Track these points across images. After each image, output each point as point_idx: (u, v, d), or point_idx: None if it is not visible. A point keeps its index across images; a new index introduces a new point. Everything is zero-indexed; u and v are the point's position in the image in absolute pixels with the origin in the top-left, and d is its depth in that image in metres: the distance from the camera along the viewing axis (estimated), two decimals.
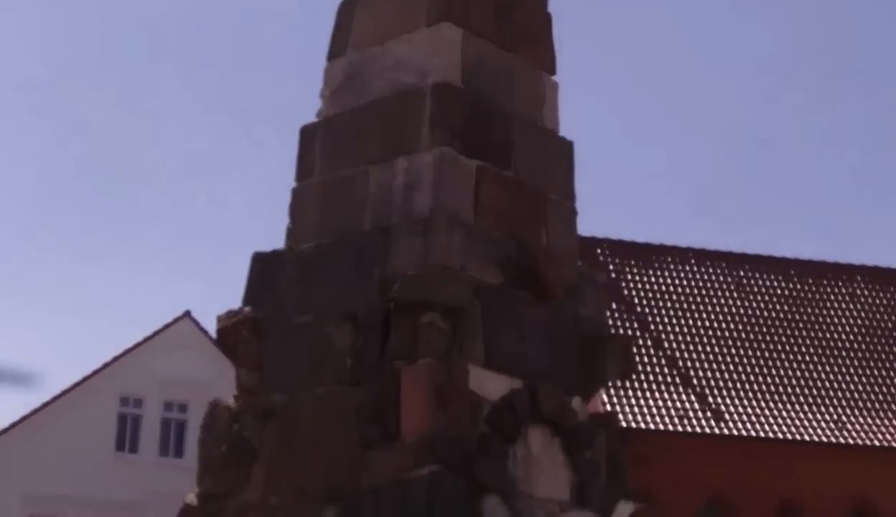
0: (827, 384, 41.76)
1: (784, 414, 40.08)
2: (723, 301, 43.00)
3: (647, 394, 39.26)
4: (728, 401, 39.85)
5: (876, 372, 42.75)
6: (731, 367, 40.95)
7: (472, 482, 13.79)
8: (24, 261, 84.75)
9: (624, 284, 41.99)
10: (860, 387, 42.03)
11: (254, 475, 14.91)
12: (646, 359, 39.48)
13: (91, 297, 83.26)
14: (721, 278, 43.78)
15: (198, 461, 15.85)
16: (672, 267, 43.50)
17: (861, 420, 40.89)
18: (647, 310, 41.81)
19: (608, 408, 35.71)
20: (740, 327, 42.35)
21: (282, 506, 14.55)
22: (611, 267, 41.60)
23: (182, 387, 42.50)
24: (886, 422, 41.12)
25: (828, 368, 42.23)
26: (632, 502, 14.48)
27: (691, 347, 41.20)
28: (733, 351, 41.50)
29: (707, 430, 38.82)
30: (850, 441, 40.05)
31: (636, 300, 42.00)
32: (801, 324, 43.14)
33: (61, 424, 41.81)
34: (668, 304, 42.26)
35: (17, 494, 40.78)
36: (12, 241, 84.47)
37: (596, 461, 15.39)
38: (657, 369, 40.12)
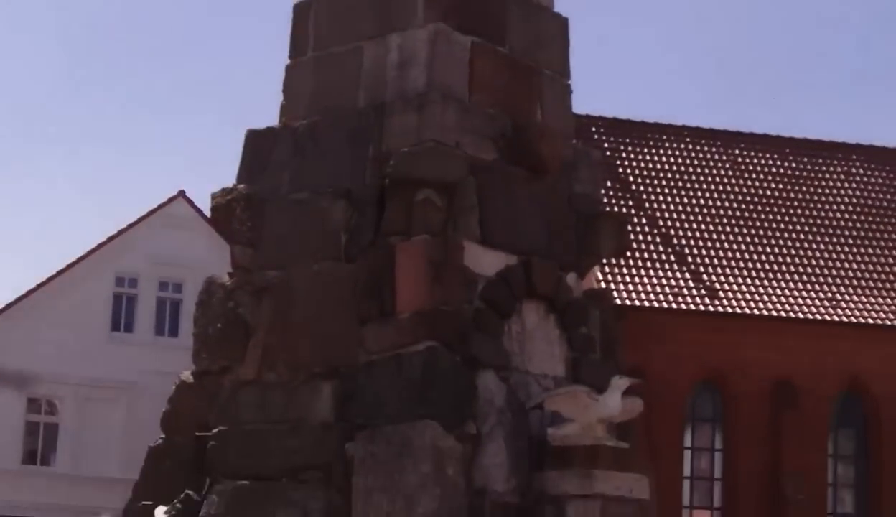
0: (822, 262, 41.84)
1: (778, 291, 40.20)
2: (718, 179, 42.92)
3: (642, 271, 39.34)
4: (722, 278, 39.95)
5: (871, 250, 42.81)
6: (726, 245, 41.01)
7: (468, 357, 13.89)
8: (20, 139, 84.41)
9: (619, 162, 41.87)
10: (854, 266, 42.11)
11: (249, 352, 14.99)
12: (640, 237, 39.48)
13: (85, 178, 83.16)
14: (717, 156, 43.65)
15: (193, 339, 15.94)
16: (667, 145, 43.36)
17: (855, 298, 41.02)
18: (641, 188, 41.74)
19: (603, 285, 35.72)
20: (735, 205, 42.32)
21: (278, 382, 14.64)
22: (605, 145, 41.43)
23: (177, 266, 42.56)
24: (881, 299, 41.26)
25: (822, 246, 42.29)
26: (626, 378, 14.55)
27: (686, 225, 41.21)
28: (728, 229, 41.52)
29: (701, 308, 38.95)
30: (844, 318, 40.20)
31: (631, 178, 41.90)
32: (796, 203, 43.11)
33: (56, 305, 41.92)
34: (664, 183, 42.17)
35: (14, 375, 41.02)
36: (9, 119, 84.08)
37: (590, 337, 15.49)
38: (652, 247, 40.16)
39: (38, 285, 43.62)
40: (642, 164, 42.78)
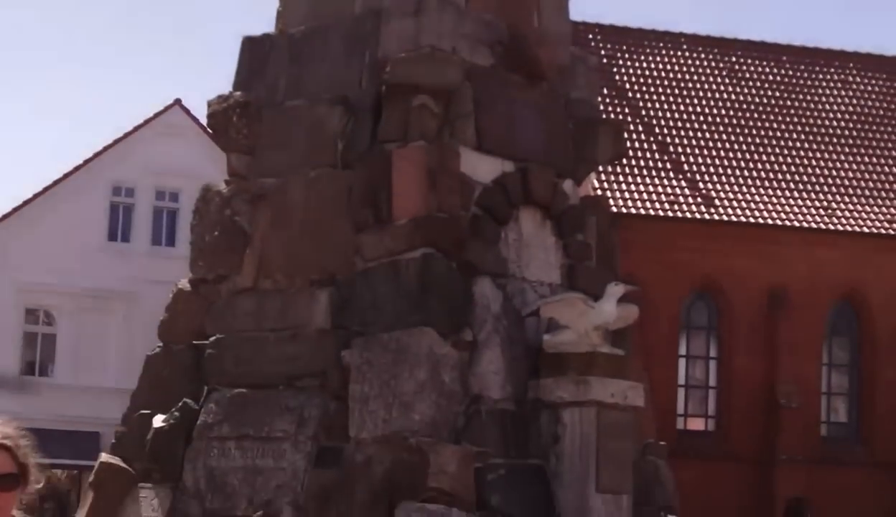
0: (818, 170, 41.75)
1: (774, 200, 40.16)
2: (715, 87, 42.72)
3: (638, 179, 39.28)
4: (719, 186, 39.90)
5: (867, 158, 42.72)
6: (722, 153, 40.91)
7: (464, 264, 13.90)
8: (14, 57, 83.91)
9: (615, 70, 41.64)
10: (850, 174, 42.02)
11: (246, 259, 15.00)
12: (637, 145, 39.34)
13: (80, 88, 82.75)
14: (713, 64, 43.43)
15: (190, 247, 15.95)
16: (664, 52, 43.10)
17: (851, 206, 40.98)
18: (638, 96, 41.55)
19: (599, 192, 35.70)
20: (732, 113, 42.16)
21: (274, 290, 14.67)
22: (602, 52, 41.13)
23: (173, 175, 42.36)
24: (876, 208, 41.22)
25: (819, 155, 42.19)
26: (622, 285, 14.57)
27: (682, 133, 41.09)
28: (724, 137, 41.40)
29: (697, 216, 38.91)
30: (840, 227, 40.18)
31: (627, 86, 41.69)
32: (792, 111, 42.94)
33: (53, 216, 41.77)
34: (660, 90, 41.98)
35: (11, 286, 41.06)
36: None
37: (587, 244, 15.49)
38: (648, 155, 40.07)
39: (35, 196, 43.47)
40: (639, 72, 42.55)
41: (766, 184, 40.82)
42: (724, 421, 39.35)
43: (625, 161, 36.42)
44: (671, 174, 40.08)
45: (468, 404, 13.45)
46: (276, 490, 13.63)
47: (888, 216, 41.36)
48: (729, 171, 40.80)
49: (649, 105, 41.79)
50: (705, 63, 43.86)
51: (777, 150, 41.82)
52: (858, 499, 37.26)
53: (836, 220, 40.71)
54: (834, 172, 42.21)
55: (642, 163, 40.01)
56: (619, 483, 13.93)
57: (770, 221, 39.84)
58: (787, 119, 42.94)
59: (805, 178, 41.59)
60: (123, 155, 43.56)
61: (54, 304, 42.34)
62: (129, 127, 44.32)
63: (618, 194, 38.48)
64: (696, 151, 41.08)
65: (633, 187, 39.30)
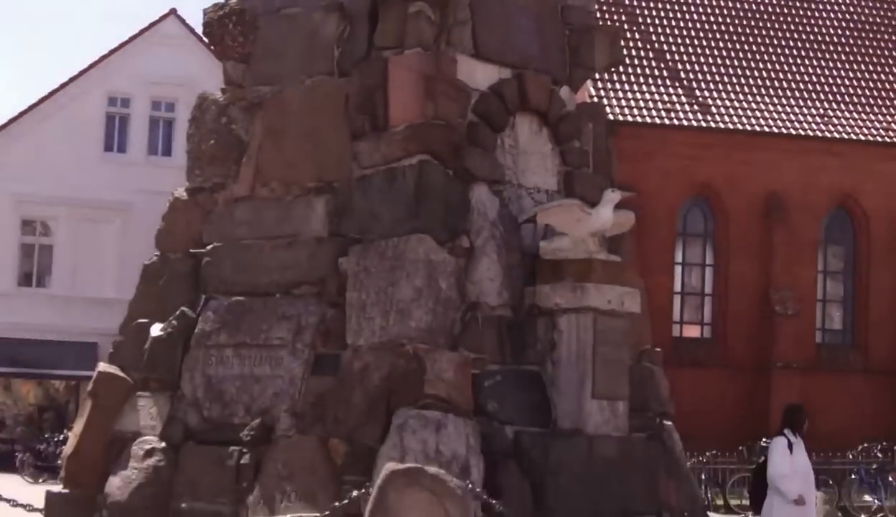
0: (814, 78, 41.67)
1: (771, 107, 40.10)
2: None
3: (635, 87, 39.18)
4: (715, 94, 39.83)
5: (863, 66, 42.61)
6: (719, 61, 40.80)
7: (461, 171, 13.87)
8: None
9: None
10: (847, 82, 41.94)
11: (243, 167, 14.96)
12: (633, 53, 39.20)
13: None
14: None
15: (186, 156, 15.90)
16: None
17: (847, 114, 40.94)
18: (635, 3, 41.34)
19: (595, 99, 35.59)
20: (729, 21, 41.96)
21: (271, 198, 14.64)
22: None
23: (169, 85, 42.22)
24: (872, 116, 41.19)
25: (815, 62, 42.07)
26: (618, 191, 14.54)
27: (679, 41, 40.93)
28: (721, 44, 41.26)
29: (693, 123, 38.88)
30: (836, 135, 40.18)
31: None
32: (789, 19, 42.75)
33: (49, 127, 41.65)
34: None
35: (8, 198, 41.01)
36: None
37: (583, 150, 15.44)
38: (644, 63, 39.95)
39: (31, 107, 43.34)
40: None
41: (762, 91, 40.73)
42: (719, 328, 39.56)
43: (621, 69, 36.33)
44: (667, 82, 39.98)
45: (465, 311, 13.47)
46: (273, 397, 13.69)
47: (884, 124, 41.33)
48: (725, 79, 40.70)
49: (646, 12, 41.58)
50: None
51: (773, 58, 41.69)
52: (853, 405, 37.56)
53: (831, 128, 40.70)
54: (830, 80, 42.12)
55: (638, 70, 39.90)
56: (615, 389, 13.98)
57: (766, 129, 39.81)
58: (784, 27, 42.76)
59: (801, 86, 41.50)
60: (119, 65, 43.40)
61: (51, 215, 42.35)
62: (125, 37, 44.12)
63: (614, 102, 38.39)
64: (693, 59, 40.94)
65: (629, 95, 39.21)
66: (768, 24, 42.55)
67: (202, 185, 15.35)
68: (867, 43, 43.57)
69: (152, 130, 43.30)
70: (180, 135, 35.74)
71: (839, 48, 43.04)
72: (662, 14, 41.72)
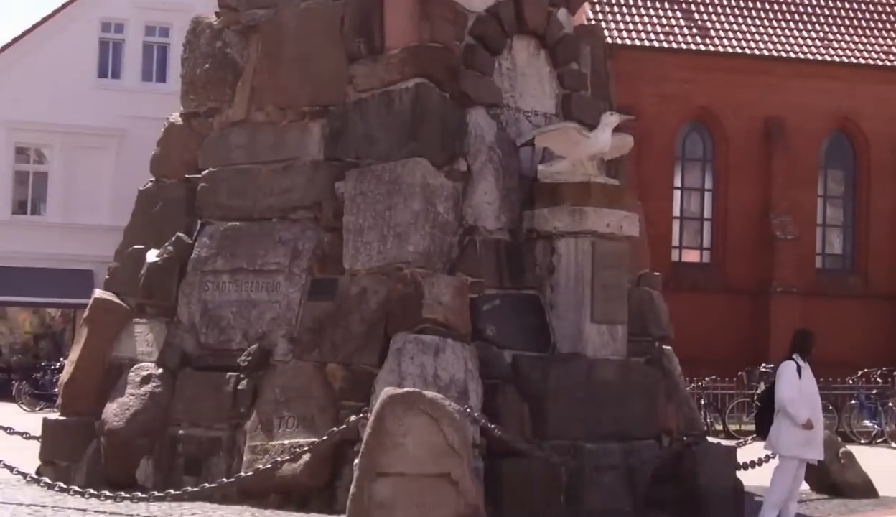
0: (814, 1, 41.35)
1: (770, 31, 39.77)
2: None
3: (633, 9, 38.85)
4: (714, 17, 39.49)
5: None
6: None
7: (458, 93, 13.74)
8: None
9: None
10: (847, 5, 41.55)
11: (238, 92, 14.83)
12: None
13: None
14: None
15: (181, 80, 15.74)
16: None
17: (847, 37, 40.62)
18: None
19: (593, 22, 35.29)
20: None
21: (267, 122, 14.53)
22: None
23: (163, 10, 41.81)
24: (872, 40, 40.87)
25: None
26: (616, 114, 14.42)
27: None
28: None
29: (692, 47, 38.58)
30: (836, 58, 39.91)
31: None
32: None
33: (42, 54, 41.27)
34: None
35: (1, 126, 40.71)
36: None
37: (581, 73, 15.31)
38: None
39: (24, 33, 42.96)
40: None
41: (762, 14, 40.41)
42: (718, 253, 39.49)
43: None
44: (666, 4, 39.63)
45: (462, 235, 13.40)
46: (270, 323, 13.64)
47: (884, 47, 41.05)
48: (724, 2, 40.36)
49: None
50: None
51: None
52: (853, 330, 37.55)
53: (831, 51, 40.40)
54: (830, 3, 41.77)
55: None
56: (614, 313, 13.94)
57: (765, 52, 39.53)
58: None
59: (801, 9, 41.16)
60: None
61: (45, 143, 42.12)
62: None
63: (612, 25, 38.09)
64: None
65: (627, 18, 38.90)
66: None
67: (197, 109, 15.23)
68: None
69: (146, 56, 42.93)
70: (175, 60, 35.34)
71: None
72: None
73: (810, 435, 12.22)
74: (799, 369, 12.27)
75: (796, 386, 12.14)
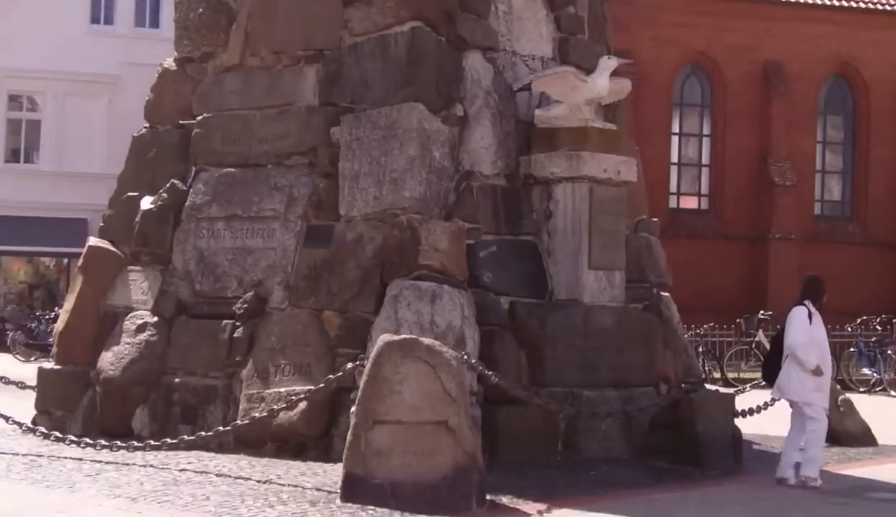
0: None
1: None
2: None
3: None
4: None
5: None
6: None
7: (454, 38, 13.59)
8: None
9: None
10: None
11: (232, 36, 14.66)
12: None
13: None
14: None
15: (174, 25, 15.58)
16: None
17: None
18: None
19: None
20: None
21: (261, 67, 14.37)
22: None
23: None
24: None
25: None
26: (614, 58, 14.29)
27: None
28: None
29: None
30: (836, 2, 39.68)
31: None
32: None
33: (33, 0, 41.02)
34: None
35: None
36: None
37: (578, 16, 15.15)
38: None
39: None
40: None
41: None
42: (717, 199, 39.38)
43: None
44: None
45: (459, 180, 13.29)
46: (266, 270, 13.55)
47: None
48: None
49: None
50: None
51: None
52: (851, 277, 37.46)
53: None
54: None
55: None
56: (612, 259, 13.86)
57: None
58: None
59: None
60: None
61: (38, 90, 41.85)
62: None
63: None
64: None
65: None
66: None
67: (191, 54, 15.08)
68: None
69: (139, 1, 42.61)
70: (168, 6, 35.20)
71: None
72: None
73: (820, 381, 12.10)
74: (810, 315, 12.16)
75: (807, 331, 12.02)
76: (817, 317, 12.27)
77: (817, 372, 12.01)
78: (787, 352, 12.09)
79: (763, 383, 15.75)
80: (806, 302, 12.28)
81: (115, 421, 13.73)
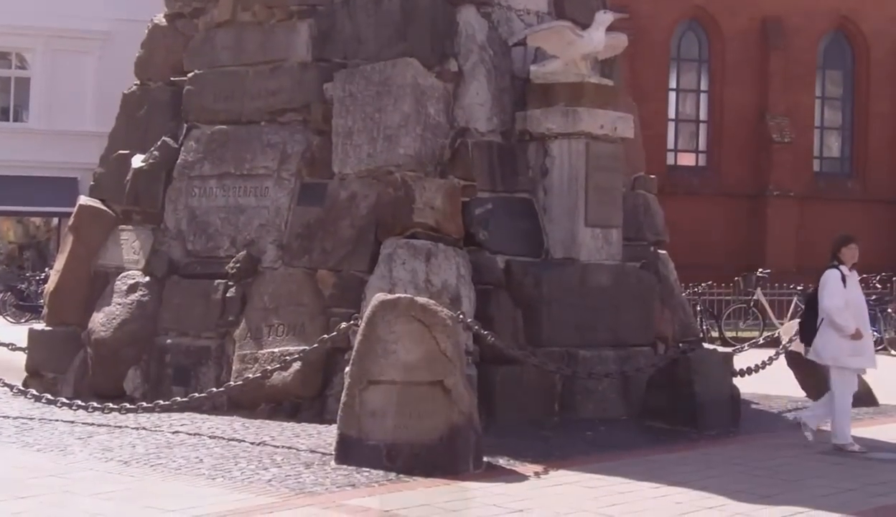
0: None
1: None
2: None
3: None
4: None
5: None
6: None
7: None
8: None
9: None
10: None
11: None
12: None
13: None
14: None
15: None
16: None
17: None
18: None
19: None
20: None
21: (253, 22, 14.17)
22: None
23: None
24: None
25: None
26: (610, 13, 14.11)
27: None
28: None
29: None
30: None
31: None
32: None
33: None
34: None
35: None
36: None
37: None
38: None
39: None
40: None
41: None
42: (714, 155, 39.18)
43: None
44: None
45: (454, 137, 13.11)
46: (259, 228, 13.40)
47: None
48: None
49: None
50: None
51: None
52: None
53: None
54: None
55: None
56: (609, 216, 13.72)
57: None
58: None
59: None
60: None
61: (27, 47, 41.50)
62: None
63: None
64: None
65: None
66: None
67: (182, 10, 14.87)
68: None
69: None
70: None
71: None
72: None
73: (860, 345, 11.69)
74: (843, 278, 11.72)
75: (841, 295, 11.53)
76: (853, 279, 11.83)
77: (857, 336, 11.57)
78: (821, 316, 11.68)
79: (761, 342, 15.59)
80: (840, 265, 11.81)
81: (106, 382, 13.58)
